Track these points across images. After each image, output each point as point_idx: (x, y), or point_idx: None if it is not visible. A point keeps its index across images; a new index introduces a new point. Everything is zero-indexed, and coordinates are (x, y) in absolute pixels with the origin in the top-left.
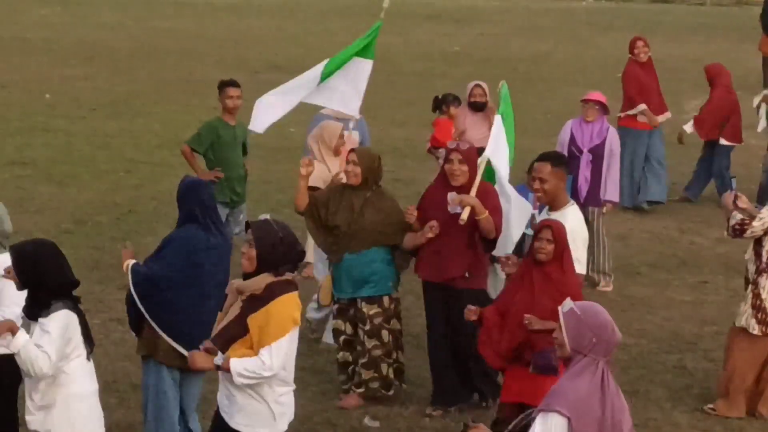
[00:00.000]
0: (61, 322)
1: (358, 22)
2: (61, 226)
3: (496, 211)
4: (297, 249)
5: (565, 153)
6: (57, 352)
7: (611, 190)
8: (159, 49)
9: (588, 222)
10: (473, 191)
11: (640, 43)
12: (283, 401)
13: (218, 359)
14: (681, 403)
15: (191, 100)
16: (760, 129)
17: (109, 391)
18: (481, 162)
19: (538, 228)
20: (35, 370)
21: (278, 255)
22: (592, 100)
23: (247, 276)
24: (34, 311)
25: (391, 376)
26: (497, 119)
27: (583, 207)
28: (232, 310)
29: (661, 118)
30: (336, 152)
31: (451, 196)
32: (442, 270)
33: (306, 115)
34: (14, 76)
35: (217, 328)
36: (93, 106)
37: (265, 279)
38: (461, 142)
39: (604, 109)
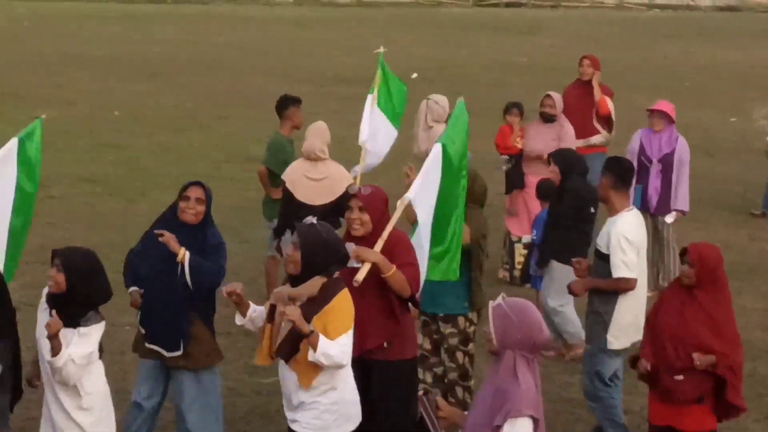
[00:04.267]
0: None
1: (422, 35)
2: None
3: (409, 266)
4: (341, 251)
5: (635, 163)
6: None
7: (681, 199)
8: (224, 64)
9: (658, 231)
10: (379, 244)
11: (585, 62)
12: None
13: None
14: (754, 411)
15: (256, 113)
16: None
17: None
18: (400, 205)
19: (682, 251)
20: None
21: (322, 258)
22: (656, 110)
23: (292, 279)
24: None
25: (468, 400)
26: (435, 149)
27: (653, 216)
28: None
29: (594, 140)
30: None
31: (349, 247)
32: (357, 341)
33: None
34: (82, 92)
35: (277, 338)
36: (158, 121)
37: (318, 282)
38: (364, 187)
39: (668, 118)
